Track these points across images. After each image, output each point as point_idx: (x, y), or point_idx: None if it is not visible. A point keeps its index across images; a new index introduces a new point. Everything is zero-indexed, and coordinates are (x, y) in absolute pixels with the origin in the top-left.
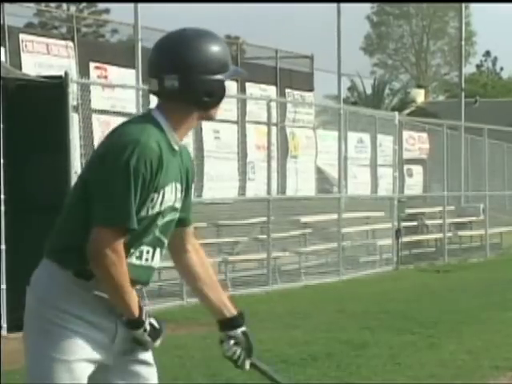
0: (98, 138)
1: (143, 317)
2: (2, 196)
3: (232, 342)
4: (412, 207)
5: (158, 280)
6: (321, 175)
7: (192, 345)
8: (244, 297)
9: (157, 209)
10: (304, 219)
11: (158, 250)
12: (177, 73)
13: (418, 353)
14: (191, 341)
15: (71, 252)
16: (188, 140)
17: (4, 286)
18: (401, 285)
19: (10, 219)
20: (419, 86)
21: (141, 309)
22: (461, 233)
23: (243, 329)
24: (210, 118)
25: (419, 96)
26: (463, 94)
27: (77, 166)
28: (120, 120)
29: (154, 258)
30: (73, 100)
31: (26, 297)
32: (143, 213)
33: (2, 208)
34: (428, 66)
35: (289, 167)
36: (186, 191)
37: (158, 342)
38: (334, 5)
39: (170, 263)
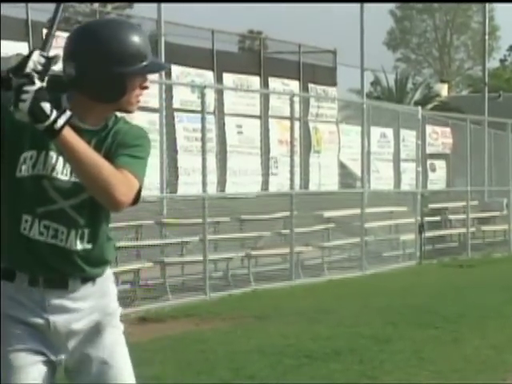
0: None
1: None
2: None
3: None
4: (435, 202)
5: (181, 274)
6: (344, 170)
7: (215, 339)
8: (267, 291)
9: (38, 171)
10: (327, 214)
11: (73, 231)
12: (74, 60)
13: (442, 347)
14: (214, 335)
15: None
16: (211, 135)
17: None
18: (424, 280)
19: None
20: (442, 81)
21: None
22: (484, 227)
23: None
24: (124, 111)
25: (442, 90)
26: (486, 89)
27: None
28: (143, 115)
29: (69, 239)
30: None
31: None
32: (22, 171)
33: None
34: (451, 61)
35: (312, 162)
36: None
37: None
38: (358, 3)
39: (192, 257)
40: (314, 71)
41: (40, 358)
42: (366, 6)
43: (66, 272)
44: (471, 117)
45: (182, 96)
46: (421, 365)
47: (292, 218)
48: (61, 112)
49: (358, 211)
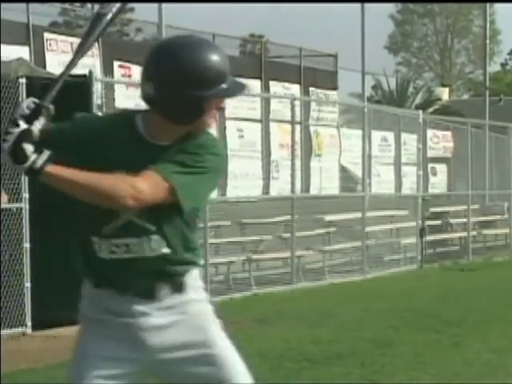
0: None
1: None
2: (26, 195)
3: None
4: (436, 206)
5: None
6: (345, 174)
7: None
8: (268, 295)
9: None
10: (328, 218)
11: (145, 240)
12: (152, 80)
13: (443, 351)
14: None
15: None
16: None
17: (29, 285)
18: (425, 283)
19: (34, 218)
20: (443, 85)
21: None
22: (485, 231)
23: None
24: (196, 133)
25: (443, 94)
26: (487, 93)
27: None
28: None
29: (142, 250)
30: (97, 99)
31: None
32: None
33: (27, 206)
34: (452, 65)
35: (313, 166)
36: None
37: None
38: (358, 3)
39: None
40: (315, 75)
41: (118, 366)
42: (367, 10)
43: (151, 281)
44: (472, 120)
45: None
46: (422, 368)
47: (293, 221)
48: (39, 152)
49: (359, 215)
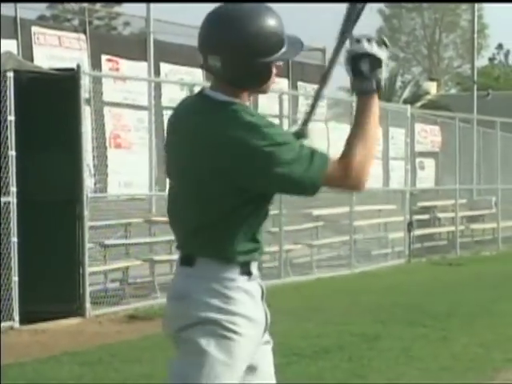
0: (109, 130)
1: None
2: (14, 189)
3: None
4: (424, 200)
5: (170, 272)
6: None
7: None
8: None
9: None
10: (316, 212)
11: None
12: (218, 54)
13: (430, 345)
14: None
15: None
16: None
17: (16, 279)
18: (413, 278)
19: (22, 212)
20: (431, 79)
21: None
22: (473, 226)
23: None
24: (262, 93)
25: (431, 89)
26: (475, 87)
27: (89, 158)
28: (132, 112)
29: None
30: (85, 92)
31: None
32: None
33: (14, 200)
34: (440, 59)
35: None
36: None
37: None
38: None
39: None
40: (303, 69)
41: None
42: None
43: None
44: (460, 115)
45: (171, 94)
46: (409, 363)
47: (281, 216)
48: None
49: (346, 209)
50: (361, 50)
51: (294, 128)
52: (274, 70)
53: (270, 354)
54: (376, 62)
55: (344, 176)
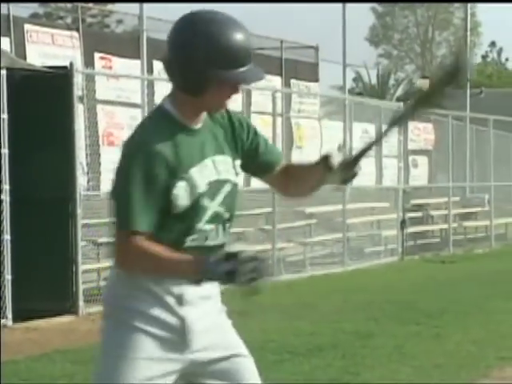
0: (102, 128)
1: (202, 266)
2: (7, 187)
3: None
4: (417, 198)
5: None
6: None
7: None
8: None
9: (194, 195)
10: (309, 210)
11: (220, 227)
12: (169, 55)
13: (423, 343)
14: None
15: None
16: None
17: (9, 277)
18: (406, 275)
19: (15, 210)
20: (424, 77)
21: (203, 260)
22: (466, 223)
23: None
24: (208, 111)
25: (424, 86)
26: (468, 85)
27: (82, 156)
28: (125, 110)
29: (219, 236)
30: (78, 90)
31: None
32: (178, 206)
33: (8, 198)
34: (433, 57)
35: (294, 157)
36: (247, 150)
37: (238, 285)
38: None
39: None
40: (296, 67)
41: (164, 367)
42: (348, 2)
43: None
44: (453, 113)
45: (164, 92)
46: (402, 360)
47: (274, 213)
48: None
49: (339, 207)
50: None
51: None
52: (225, 94)
53: (246, 368)
54: (232, 278)
55: (123, 250)
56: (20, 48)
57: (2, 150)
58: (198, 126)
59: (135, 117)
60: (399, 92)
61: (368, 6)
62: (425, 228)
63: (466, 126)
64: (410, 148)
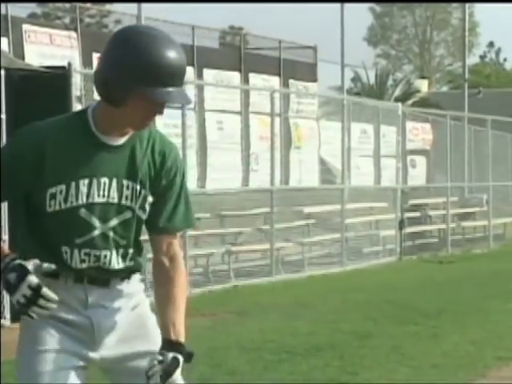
0: None
1: None
2: None
3: (158, 359)
4: (415, 198)
5: None
6: (324, 166)
7: (195, 335)
8: (247, 287)
9: (72, 203)
10: (307, 210)
11: (114, 252)
12: (99, 64)
13: (421, 343)
14: (194, 331)
15: (31, 253)
16: (191, 132)
17: None
18: (404, 275)
19: (12, 210)
20: (423, 77)
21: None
22: (464, 223)
23: (177, 355)
24: (132, 127)
25: (423, 86)
26: (466, 85)
27: None
28: None
29: (112, 261)
30: (76, 90)
31: None
32: (52, 205)
33: None
34: (431, 57)
35: (292, 158)
36: (156, 194)
37: (13, 299)
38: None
39: None
40: (294, 67)
41: (75, 360)
42: (346, 2)
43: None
44: (451, 113)
45: None
46: (400, 360)
47: (272, 213)
48: None
49: (338, 207)
50: None
51: None
52: (147, 111)
53: None
54: (9, 289)
55: None
56: (18, 48)
57: None
58: (118, 142)
59: None
60: (397, 92)
61: (366, 6)
62: (423, 228)
63: (464, 126)
64: (408, 148)
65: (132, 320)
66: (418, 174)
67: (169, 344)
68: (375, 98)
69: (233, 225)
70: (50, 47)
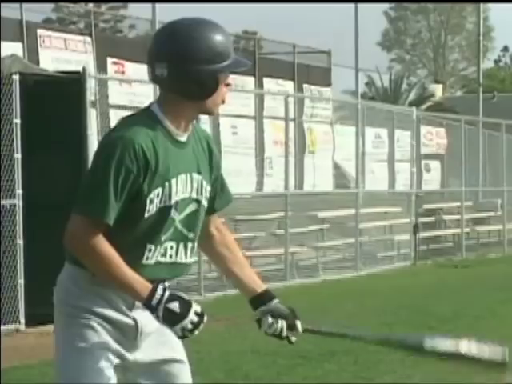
0: None
1: (153, 300)
2: (20, 191)
3: (269, 317)
4: (430, 202)
5: None
6: (338, 170)
7: (209, 340)
8: None
9: (165, 203)
10: (321, 214)
11: (181, 245)
12: (165, 61)
13: None
14: (209, 336)
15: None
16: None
17: (22, 281)
18: (419, 280)
19: (27, 214)
20: (437, 81)
21: (153, 291)
22: (479, 228)
23: (276, 300)
24: (209, 113)
25: (437, 91)
26: (481, 89)
27: None
28: None
29: (178, 254)
30: (90, 95)
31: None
32: (150, 210)
33: (20, 203)
34: (446, 61)
35: (306, 162)
36: (212, 180)
37: (177, 327)
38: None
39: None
40: (308, 72)
41: (115, 358)
42: (360, 6)
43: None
44: (466, 117)
45: None
46: (415, 365)
47: (286, 218)
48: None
49: (352, 212)
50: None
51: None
52: (224, 89)
53: (182, 375)
54: (172, 320)
55: (80, 235)
56: (33, 53)
57: (15, 155)
58: (184, 138)
59: None
60: (412, 97)
61: (380, 10)
62: (437, 233)
63: (479, 130)
64: (422, 152)
65: (160, 326)
66: (432, 179)
67: (262, 296)
68: (389, 103)
69: (247, 229)
70: (64, 52)
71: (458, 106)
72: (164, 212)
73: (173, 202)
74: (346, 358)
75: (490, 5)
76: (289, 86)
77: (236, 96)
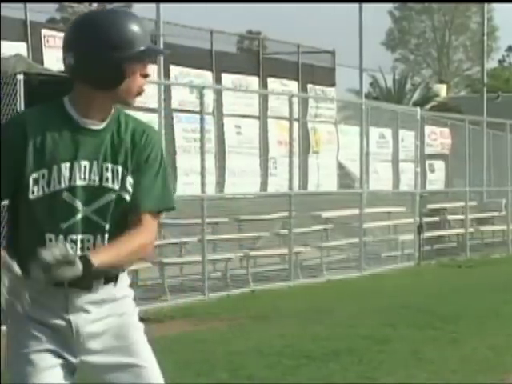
0: None
1: None
2: None
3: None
4: (434, 202)
5: (180, 275)
6: (342, 170)
7: (213, 340)
8: (266, 292)
9: (55, 187)
10: (325, 214)
11: (99, 237)
12: (72, 50)
13: (440, 348)
14: (213, 336)
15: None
16: (210, 136)
17: None
18: (423, 280)
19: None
20: (441, 81)
21: None
22: (483, 228)
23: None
24: (124, 103)
25: (441, 91)
26: (485, 89)
27: None
28: (141, 115)
29: (96, 246)
30: None
31: None
32: (35, 191)
33: None
34: (450, 61)
35: (310, 162)
36: (134, 174)
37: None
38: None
39: (190, 258)
40: (312, 72)
41: (59, 360)
42: (365, 6)
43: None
44: (470, 117)
45: (181, 96)
46: (419, 365)
47: (290, 218)
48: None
49: (356, 212)
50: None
51: None
52: (140, 79)
53: (143, 380)
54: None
55: None
56: (37, 53)
57: None
58: (98, 126)
59: (151, 121)
60: (416, 97)
61: (385, 10)
62: (441, 233)
63: (483, 130)
64: (426, 152)
65: (117, 329)
66: (436, 179)
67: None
68: (394, 103)
69: (251, 229)
70: None
71: (462, 105)
72: (56, 197)
73: (63, 186)
74: (350, 358)
75: (495, 5)
76: (293, 85)
77: (240, 96)
